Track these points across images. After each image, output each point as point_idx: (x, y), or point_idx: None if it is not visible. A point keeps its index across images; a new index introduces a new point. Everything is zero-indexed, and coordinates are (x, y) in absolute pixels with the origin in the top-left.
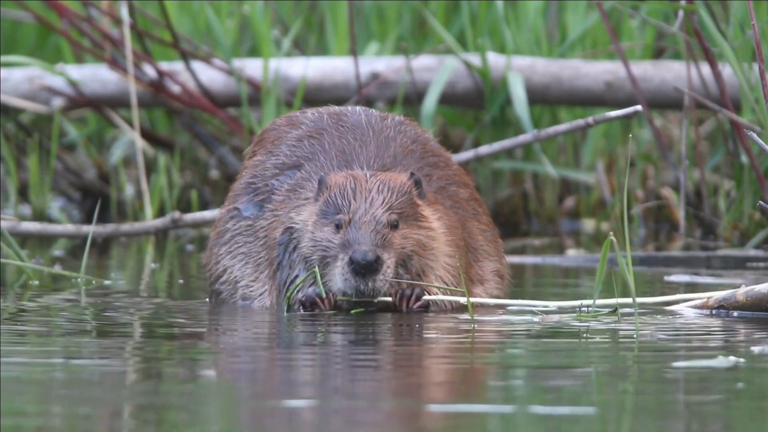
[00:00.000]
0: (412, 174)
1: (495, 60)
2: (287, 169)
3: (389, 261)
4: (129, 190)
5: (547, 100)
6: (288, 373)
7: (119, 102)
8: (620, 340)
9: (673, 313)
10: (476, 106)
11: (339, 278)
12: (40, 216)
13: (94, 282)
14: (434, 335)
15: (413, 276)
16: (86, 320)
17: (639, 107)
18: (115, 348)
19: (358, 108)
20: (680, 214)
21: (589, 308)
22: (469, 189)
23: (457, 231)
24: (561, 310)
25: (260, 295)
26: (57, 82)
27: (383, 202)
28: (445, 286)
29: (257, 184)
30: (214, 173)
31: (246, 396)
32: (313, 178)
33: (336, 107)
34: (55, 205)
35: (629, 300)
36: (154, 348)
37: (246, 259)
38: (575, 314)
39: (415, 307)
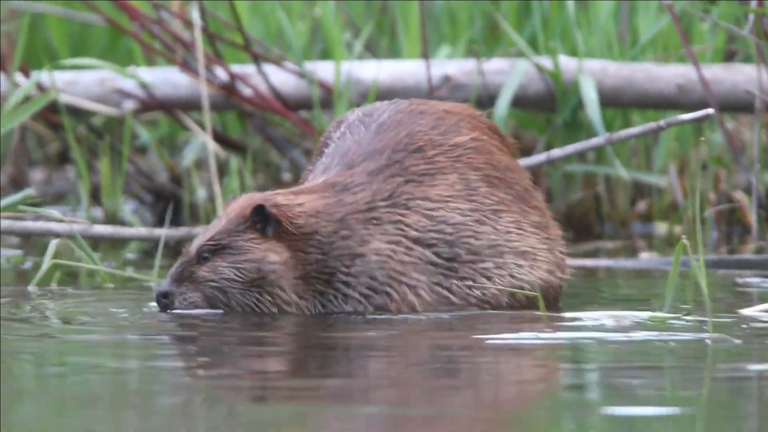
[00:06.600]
0: (260, 206)
1: (566, 63)
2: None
3: (182, 296)
4: (201, 193)
5: (619, 103)
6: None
7: (191, 105)
8: (693, 342)
9: (746, 317)
10: (548, 109)
11: None
12: (112, 219)
13: None
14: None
15: (243, 305)
16: (157, 323)
17: (711, 110)
18: (185, 354)
19: (384, 103)
20: (752, 217)
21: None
22: (497, 171)
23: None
24: (632, 312)
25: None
26: (128, 84)
27: (209, 233)
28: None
29: None
30: (287, 176)
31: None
32: None
33: (377, 103)
34: (127, 208)
35: (703, 302)
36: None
37: None
38: (648, 317)
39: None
